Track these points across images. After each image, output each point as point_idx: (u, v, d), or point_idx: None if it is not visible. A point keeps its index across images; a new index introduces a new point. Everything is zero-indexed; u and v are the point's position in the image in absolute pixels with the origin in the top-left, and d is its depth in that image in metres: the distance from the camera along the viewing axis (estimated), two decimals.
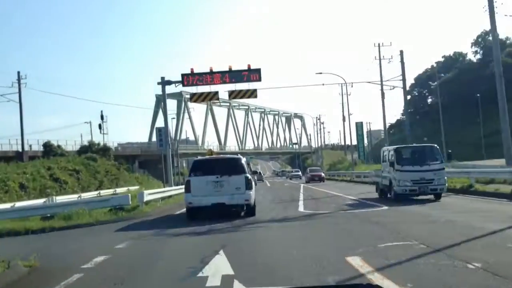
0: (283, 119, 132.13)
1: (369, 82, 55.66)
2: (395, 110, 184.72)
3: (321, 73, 48.23)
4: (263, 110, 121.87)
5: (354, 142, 64.80)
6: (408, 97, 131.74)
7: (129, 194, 20.13)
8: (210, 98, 27.42)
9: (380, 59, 52.04)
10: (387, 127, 67.45)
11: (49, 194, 37.52)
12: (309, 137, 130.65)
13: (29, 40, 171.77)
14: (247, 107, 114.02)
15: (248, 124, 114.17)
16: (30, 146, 57.49)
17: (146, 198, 19.26)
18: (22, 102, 54.48)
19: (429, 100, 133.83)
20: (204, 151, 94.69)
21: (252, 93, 27.17)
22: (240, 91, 27.33)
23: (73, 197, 35.89)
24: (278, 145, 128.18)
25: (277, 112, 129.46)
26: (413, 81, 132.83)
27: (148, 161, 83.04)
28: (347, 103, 77.68)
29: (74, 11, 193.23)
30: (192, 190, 14.69)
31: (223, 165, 15.24)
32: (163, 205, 21.25)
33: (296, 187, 40.30)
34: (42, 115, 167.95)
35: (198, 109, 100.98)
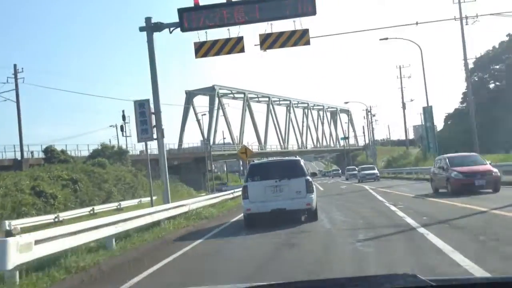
0: (328, 114, 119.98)
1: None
2: (452, 98, 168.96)
3: (386, 38, 36.64)
4: (306, 104, 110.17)
5: (410, 135, 52.78)
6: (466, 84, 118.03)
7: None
8: (229, 48, 16.06)
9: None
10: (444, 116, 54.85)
11: (23, 214, 27.55)
12: (356, 132, 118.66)
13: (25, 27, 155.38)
14: (288, 102, 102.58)
15: (291, 120, 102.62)
16: (32, 153, 47.93)
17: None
18: (19, 101, 45.09)
19: (491, 86, 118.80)
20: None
21: (302, 36, 15.74)
22: (281, 33, 15.95)
23: (45, 219, 25.64)
24: (324, 143, 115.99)
25: (321, 107, 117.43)
26: (472, 65, 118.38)
27: (180, 165, 72.95)
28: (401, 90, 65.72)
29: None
30: (250, 196, 13.94)
31: (281, 168, 14.56)
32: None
33: (361, 191, 28.99)
34: (57, 120, 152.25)
35: (233, 105, 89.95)
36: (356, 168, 56.12)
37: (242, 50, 16.17)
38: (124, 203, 35.35)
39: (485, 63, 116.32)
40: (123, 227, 10.02)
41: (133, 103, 15.52)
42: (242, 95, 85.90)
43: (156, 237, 11.24)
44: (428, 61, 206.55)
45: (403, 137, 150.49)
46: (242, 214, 14.64)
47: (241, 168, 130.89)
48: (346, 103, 68.29)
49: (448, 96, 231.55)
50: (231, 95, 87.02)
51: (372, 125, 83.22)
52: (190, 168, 69.98)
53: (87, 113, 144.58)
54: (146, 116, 14.77)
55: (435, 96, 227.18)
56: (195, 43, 15.97)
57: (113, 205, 34.57)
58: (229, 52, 16.12)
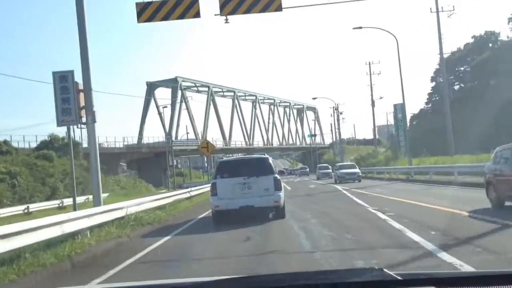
0: (295, 111, 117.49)
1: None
2: (418, 99, 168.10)
3: (360, 27, 33.91)
4: (272, 100, 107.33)
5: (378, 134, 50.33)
6: (432, 84, 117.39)
7: None
8: (181, 12, 12.61)
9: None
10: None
11: None
12: (323, 130, 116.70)
13: None
14: (254, 98, 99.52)
15: (256, 116, 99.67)
16: None
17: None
18: None
19: (457, 87, 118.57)
20: None
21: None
22: None
23: None
24: (290, 141, 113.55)
25: (288, 104, 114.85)
26: (437, 66, 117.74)
27: (139, 160, 69.04)
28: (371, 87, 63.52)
29: None
30: (219, 193, 13.87)
31: (250, 166, 14.56)
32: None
33: (333, 191, 26.20)
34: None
35: (197, 98, 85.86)
36: (330, 166, 52.31)
37: (197, 15, 12.82)
38: (68, 201, 31.56)
39: (451, 64, 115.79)
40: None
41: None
42: (206, 89, 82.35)
43: (59, 259, 7.79)
44: (400, 56, 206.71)
45: (368, 137, 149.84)
46: (199, 218, 14.77)
47: (205, 164, 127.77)
48: (314, 99, 65.61)
49: (413, 96, 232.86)
50: (195, 88, 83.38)
51: (339, 122, 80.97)
52: (151, 164, 65.99)
53: (44, 102, 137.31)
54: (70, 93, 11.21)
55: (400, 96, 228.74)
56: (137, 4, 12.64)
57: (56, 203, 30.79)
58: (180, 17, 12.78)
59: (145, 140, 71.66)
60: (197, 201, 24.29)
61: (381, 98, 63.15)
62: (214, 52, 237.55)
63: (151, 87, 73.79)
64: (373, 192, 22.07)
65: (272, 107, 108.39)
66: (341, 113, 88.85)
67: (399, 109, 51.79)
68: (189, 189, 27.84)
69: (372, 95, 62.56)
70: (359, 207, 15.63)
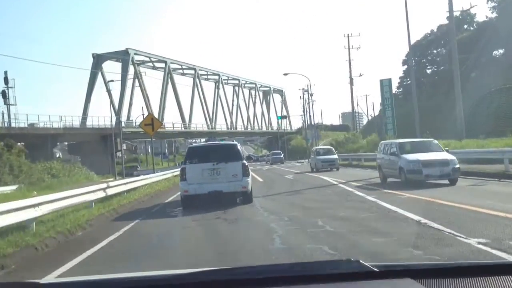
0: (261, 94, 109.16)
1: None
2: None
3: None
4: (237, 81, 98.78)
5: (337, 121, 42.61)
6: (404, 67, 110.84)
7: None
8: None
9: None
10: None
11: None
12: (290, 114, 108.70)
13: None
14: (217, 77, 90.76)
15: (219, 98, 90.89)
16: None
17: None
18: None
19: (429, 71, 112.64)
20: (163, 130, 71.43)
21: None
22: None
23: None
24: (256, 126, 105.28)
25: (253, 85, 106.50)
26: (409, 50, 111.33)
27: (83, 144, 59.80)
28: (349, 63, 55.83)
29: None
30: (188, 178, 14.18)
31: (219, 152, 14.80)
32: None
33: (329, 186, 18.62)
34: None
35: (153, 75, 76.48)
36: (281, 153, 51.79)
37: None
38: None
39: (422, 47, 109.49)
40: None
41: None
42: (163, 65, 73.25)
43: None
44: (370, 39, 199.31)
45: (335, 123, 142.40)
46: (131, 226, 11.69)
47: (166, 150, 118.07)
48: (286, 74, 57.51)
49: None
50: (150, 64, 74.24)
51: (312, 104, 73.18)
52: (96, 148, 56.79)
53: None
54: None
55: (372, 79, 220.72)
56: None
57: None
58: None
59: (92, 121, 62.12)
60: (146, 193, 19.87)
61: (360, 75, 55.38)
62: (174, 26, 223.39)
63: (98, 59, 64.26)
64: (408, 193, 13.71)
65: (236, 88, 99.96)
66: (311, 95, 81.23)
67: (387, 85, 44.29)
68: (126, 180, 20.33)
69: (350, 71, 54.98)
70: (414, 226, 7.75)
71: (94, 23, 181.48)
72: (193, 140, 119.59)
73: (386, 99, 43.38)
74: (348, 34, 55.28)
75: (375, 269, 2.23)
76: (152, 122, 25.19)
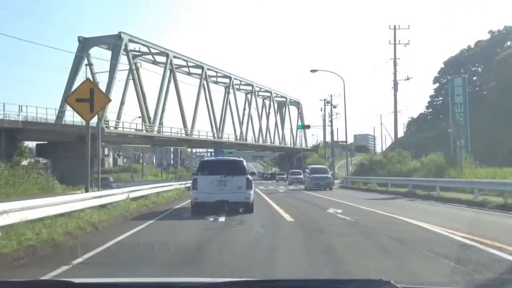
0: (275, 105, 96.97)
1: None
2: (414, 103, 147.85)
3: None
4: (250, 87, 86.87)
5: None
6: (435, 85, 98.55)
7: None
8: None
9: None
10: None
11: None
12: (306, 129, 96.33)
13: None
14: (228, 80, 78.97)
15: (229, 103, 78.97)
16: None
17: None
18: None
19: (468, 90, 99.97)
20: (158, 135, 59.46)
21: None
22: None
23: None
24: (268, 140, 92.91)
25: (268, 94, 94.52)
26: (442, 65, 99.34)
27: (56, 145, 48.07)
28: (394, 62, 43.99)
29: None
30: (199, 187, 16.16)
31: (227, 166, 16.92)
32: None
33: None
34: None
35: (153, 70, 65.03)
36: (284, 173, 54.69)
37: None
38: None
39: (458, 64, 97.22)
40: None
41: None
42: (164, 58, 61.60)
43: None
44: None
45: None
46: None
47: (171, 161, 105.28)
48: (313, 71, 44.93)
49: (405, 99, 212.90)
50: (150, 56, 62.68)
51: (331, 118, 60.67)
52: (72, 151, 44.73)
53: None
54: None
55: (391, 98, 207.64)
56: None
57: None
58: None
59: (74, 118, 49.71)
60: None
61: (407, 79, 43.19)
62: (181, 18, 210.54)
63: (85, 44, 52.69)
64: None
65: (249, 96, 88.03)
66: (335, 107, 69.20)
67: (460, 85, 32.03)
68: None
69: (395, 73, 42.90)
70: None
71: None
72: (198, 151, 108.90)
73: (457, 105, 31.19)
74: (394, 26, 43.23)
75: None
76: (91, 97, 13.18)
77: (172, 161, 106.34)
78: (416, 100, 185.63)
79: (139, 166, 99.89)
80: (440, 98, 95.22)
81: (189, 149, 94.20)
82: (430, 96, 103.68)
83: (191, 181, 18.47)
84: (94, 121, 43.93)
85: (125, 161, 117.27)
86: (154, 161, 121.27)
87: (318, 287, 2.36)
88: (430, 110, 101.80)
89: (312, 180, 33.58)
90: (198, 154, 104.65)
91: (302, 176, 51.02)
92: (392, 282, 2.18)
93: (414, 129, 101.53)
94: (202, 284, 2.40)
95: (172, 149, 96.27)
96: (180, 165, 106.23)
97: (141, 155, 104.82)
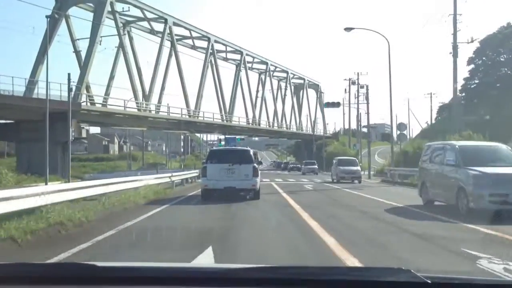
0: (292, 87, 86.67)
1: None
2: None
3: None
4: (264, 66, 76.80)
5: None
6: (470, 66, 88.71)
7: None
8: None
9: None
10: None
11: None
12: (325, 114, 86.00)
13: None
14: (239, 56, 68.86)
15: (240, 83, 68.85)
16: None
17: None
18: None
19: (503, 70, 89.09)
20: (154, 115, 49.72)
21: None
22: None
23: None
24: (284, 125, 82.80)
25: (284, 74, 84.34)
26: (478, 45, 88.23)
27: (20, 125, 38.70)
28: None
29: None
30: (208, 175, 17.12)
31: (235, 155, 18.01)
32: None
33: None
34: None
35: (152, 39, 55.17)
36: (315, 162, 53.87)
37: None
38: None
39: (496, 42, 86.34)
40: None
41: None
42: (162, 26, 51.67)
43: None
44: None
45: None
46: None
47: (181, 149, 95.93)
48: (349, 30, 34.45)
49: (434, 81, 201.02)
50: (146, 24, 52.82)
51: (367, 97, 50.44)
52: (39, 132, 34.89)
53: None
54: None
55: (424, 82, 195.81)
56: None
57: None
58: None
59: (50, 91, 39.68)
60: None
61: (471, 41, 32.92)
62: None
63: (62, 3, 42.87)
64: None
65: (262, 76, 77.98)
66: (361, 87, 58.85)
67: None
68: None
69: (455, 33, 32.78)
70: None
71: None
72: (210, 139, 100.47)
73: None
74: None
75: (428, 281, 2.08)
76: None
77: (182, 149, 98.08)
78: (444, 83, 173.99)
79: (145, 154, 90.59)
80: (475, 81, 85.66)
81: (197, 135, 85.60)
82: (464, 79, 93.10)
83: (190, 172, 20.40)
84: (65, 94, 34.74)
85: (132, 148, 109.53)
86: (164, 148, 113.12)
87: (338, 275, 2.23)
88: (463, 94, 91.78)
89: (340, 172, 32.90)
90: (210, 142, 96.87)
91: (316, 166, 54.67)
92: (412, 270, 2.10)
93: (445, 115, 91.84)
94: (227, 270, 2.27)
95: (182, 136, 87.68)
96: (190, 152, 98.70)
97: (149, 142, 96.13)
